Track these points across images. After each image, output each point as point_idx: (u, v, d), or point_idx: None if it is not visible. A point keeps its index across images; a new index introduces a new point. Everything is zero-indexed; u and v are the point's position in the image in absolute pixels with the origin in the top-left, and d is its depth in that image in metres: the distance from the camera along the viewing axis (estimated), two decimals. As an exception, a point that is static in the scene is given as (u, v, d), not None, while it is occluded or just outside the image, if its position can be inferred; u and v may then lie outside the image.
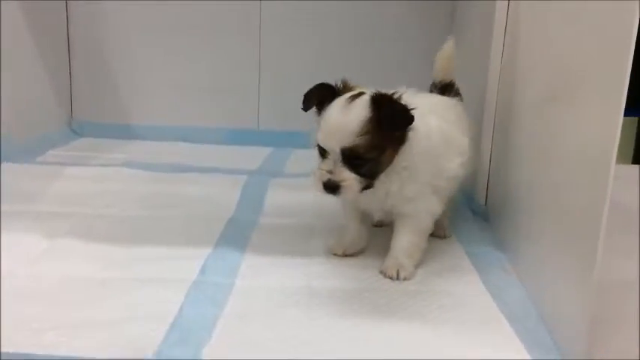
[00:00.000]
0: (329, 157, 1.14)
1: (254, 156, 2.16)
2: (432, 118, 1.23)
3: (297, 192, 1.76)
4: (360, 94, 1.15)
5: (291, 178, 1.92)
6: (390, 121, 1.11)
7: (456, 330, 1.05)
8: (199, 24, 2.30)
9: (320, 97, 1.18)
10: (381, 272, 1.25)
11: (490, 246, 1.41)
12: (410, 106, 1.12)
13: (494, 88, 1.57)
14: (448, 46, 1.47)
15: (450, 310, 1.12)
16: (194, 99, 2.37)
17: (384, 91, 1.15)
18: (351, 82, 1.21)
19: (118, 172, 1.87)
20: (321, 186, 1.15)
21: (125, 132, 2.35)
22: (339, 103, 1.14)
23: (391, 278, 1.22)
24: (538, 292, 1.15)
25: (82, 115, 2.38)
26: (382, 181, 1.18)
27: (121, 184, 1.77)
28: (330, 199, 1.65)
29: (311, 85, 2.15)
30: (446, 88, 1.45)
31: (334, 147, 1.12)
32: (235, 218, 1.54)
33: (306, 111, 1.20)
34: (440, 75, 1.47)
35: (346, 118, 1.11)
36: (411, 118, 1.11)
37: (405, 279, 1.22)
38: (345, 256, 1.32)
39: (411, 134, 1.16)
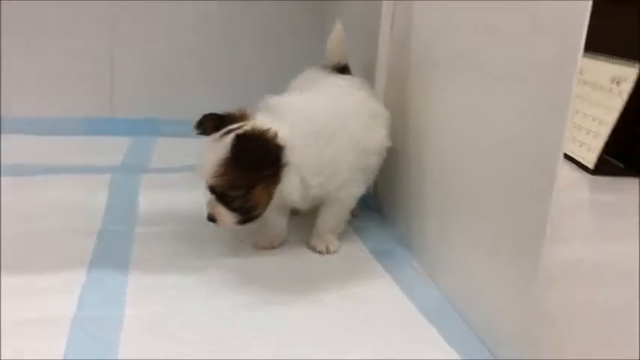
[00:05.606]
0: None
1: (113, 148, 1.91)
2: (356, 95, 1.30)
3: (172, 190, 1.57)
4: (239, 127, 1.13)
5: (161, 173, 1.73)
6: (247, 162, 1.11)
7: (378, 335, 1.00)
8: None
9: (210, 125, 1.16)
10: (312, 248, 1.30)
11: (392, 242, 1.36)
12: (278, 143, 1.11)
13: (383, 60, 1.49)
14: (337, 32, 1.43)
15: (369, 315, 1.06)
16: (36, 86, 2.05)
17: (259, 125, 1.12)
18: (247, 109, 1.18)
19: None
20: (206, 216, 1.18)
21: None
22: (212, 138, 1.15)
23: (321, 253, 1.29)
24: (456, 292, 1.11)
25: None
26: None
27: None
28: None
29: (167, 66, 2.06)
30: (341, 72, 1.43)
31: (205, 182, 1.15)
32: (106, 229, 1.33)
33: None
34: (334, 59, 1.44)
35: (210, 157, 1.13)
36: (275, 158, 1.12)
37: (334, 252, 1.29)
38: (272, 248, 1.31)
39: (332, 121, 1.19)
